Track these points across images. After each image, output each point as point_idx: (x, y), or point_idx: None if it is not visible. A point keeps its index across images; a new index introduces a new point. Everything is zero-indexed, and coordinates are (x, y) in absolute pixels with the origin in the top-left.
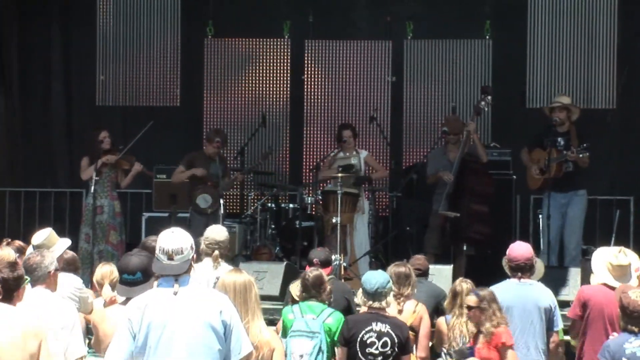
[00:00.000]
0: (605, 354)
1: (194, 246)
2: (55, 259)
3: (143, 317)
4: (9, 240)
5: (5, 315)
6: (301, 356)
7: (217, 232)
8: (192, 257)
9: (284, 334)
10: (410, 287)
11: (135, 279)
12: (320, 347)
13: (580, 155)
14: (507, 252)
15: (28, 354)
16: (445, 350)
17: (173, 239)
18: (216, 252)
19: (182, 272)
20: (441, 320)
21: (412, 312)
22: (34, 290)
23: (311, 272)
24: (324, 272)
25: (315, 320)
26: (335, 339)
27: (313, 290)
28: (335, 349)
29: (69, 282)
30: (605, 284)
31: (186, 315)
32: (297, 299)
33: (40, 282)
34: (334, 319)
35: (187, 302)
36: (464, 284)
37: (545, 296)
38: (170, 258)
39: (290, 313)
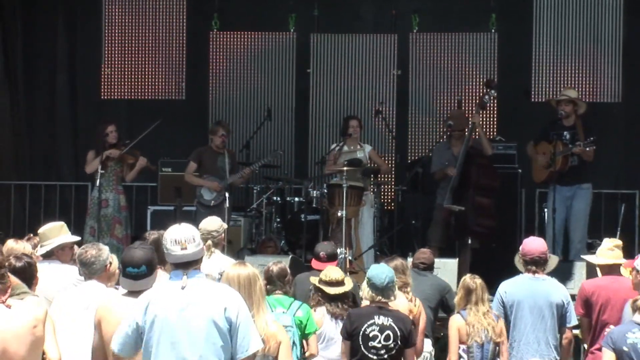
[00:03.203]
0: (608, 341)
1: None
2: (109, 252)
3: (147, 311)
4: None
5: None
6: None
7: (208, 222)
8: (202, 247)
9: None
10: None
11: (139, 272)
12: (293, 341)
13: (587, 149)
14: (521, 247)
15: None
16: (464, 348)
17: (183, 229)
18: (208, 242)
19: (198, 258)
20: (457, 318)
21: None
22: (87, 283)
23: (275, 264)
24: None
25: (285, 313)
26: (306, 331)
27: (279, 282)
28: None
29: (71, 272)
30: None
31: (190, 311)
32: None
33: (96, 276)
34: (303, 311)
35: (192, 297)
36: (477, 280)
37: (558, 291)
38: (183, 247)
39: None
